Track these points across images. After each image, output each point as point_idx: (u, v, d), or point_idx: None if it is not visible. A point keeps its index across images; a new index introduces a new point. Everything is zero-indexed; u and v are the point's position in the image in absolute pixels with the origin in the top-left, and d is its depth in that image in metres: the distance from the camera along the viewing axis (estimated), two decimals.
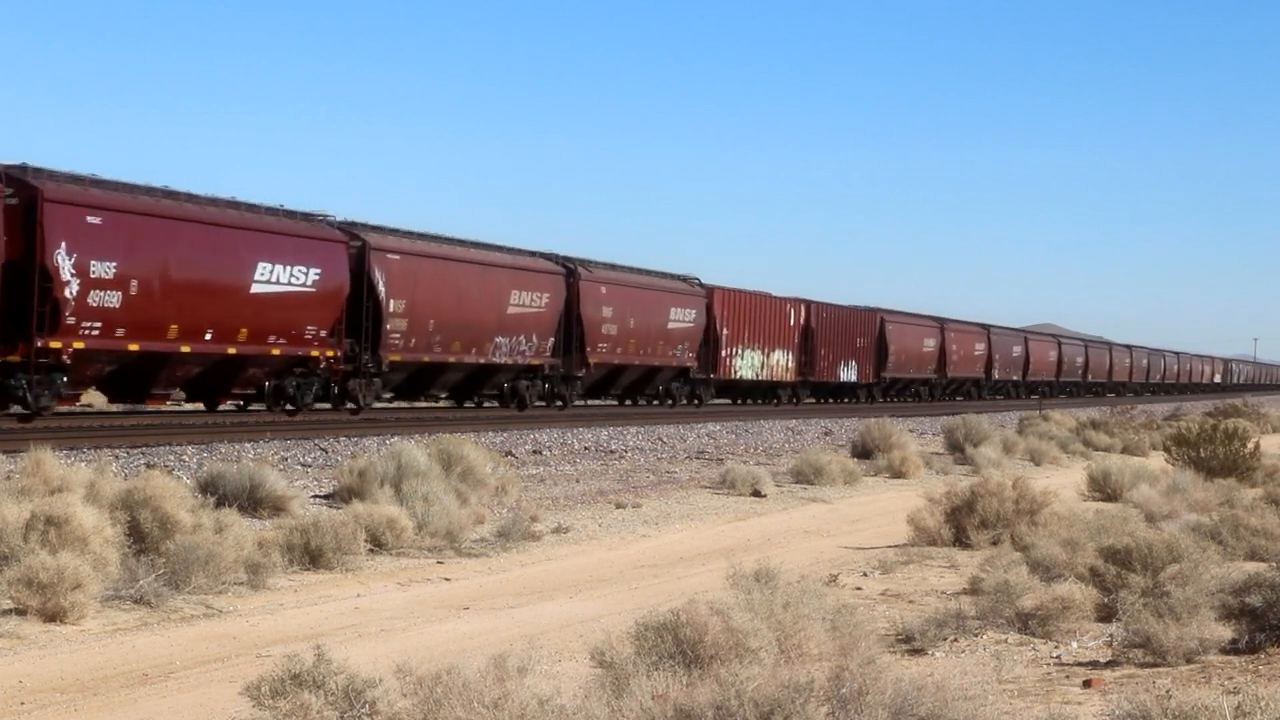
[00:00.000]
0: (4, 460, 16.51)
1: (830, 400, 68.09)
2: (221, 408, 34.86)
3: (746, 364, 57.21)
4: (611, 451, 29.35)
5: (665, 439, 33.94)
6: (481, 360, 40.80)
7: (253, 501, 16.05)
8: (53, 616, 10.50)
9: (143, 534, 12.56)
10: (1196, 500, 19.00)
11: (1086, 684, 8.83)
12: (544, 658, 8.01)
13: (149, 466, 19.30)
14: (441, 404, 43.35)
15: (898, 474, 27.26)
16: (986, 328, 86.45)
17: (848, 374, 67.01)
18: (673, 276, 53.42)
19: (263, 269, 33.03)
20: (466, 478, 18.57)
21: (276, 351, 33.49)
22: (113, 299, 28.88)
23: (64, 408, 29.89)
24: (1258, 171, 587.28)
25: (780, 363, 60.06)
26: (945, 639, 10.28)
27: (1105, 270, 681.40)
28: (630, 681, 6.88)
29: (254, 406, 34.93)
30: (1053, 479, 24.84)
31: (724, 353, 55.27)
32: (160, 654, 9.89)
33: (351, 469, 17.77)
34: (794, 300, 62.11)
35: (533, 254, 44.74)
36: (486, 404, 43.63)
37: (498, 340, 41.38)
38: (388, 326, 36.63)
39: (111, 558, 11.55)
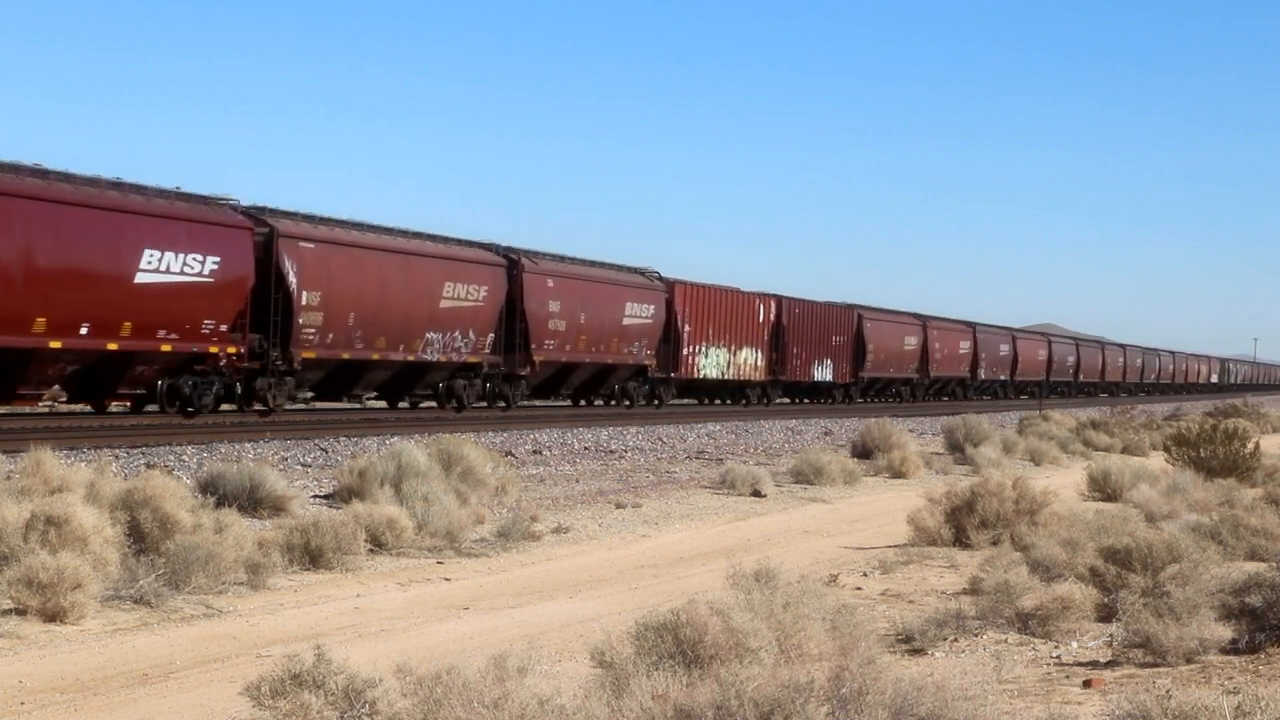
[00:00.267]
0: (4, 460, 16.50)
1: (806, 400, 65.88)
2: (111, 409, 32.21)
3: (711, 362, 54.60)
4: (611, 451, 29.35)
5: (665, 439, 33.94)
6: (410, 358, 38.17)
7: (253, 501, 16.05)
8: (53, 616, 10.50)
9: (143, 534, 12.57)
10: (1196, 500, 18.99)
11: (1086, 684, 8.83)
12: (544, 658, 8.01)
13: (149, 466, 19.31)
14: (371, 405, 40.68)
15: (898, 474, 27.26)
16: (972, 325, 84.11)
17: (822, 373, 64.68)
18: (629, 269, 50.61)
19: (150, 257, 30.02)
20: (466, 478, 18.57)
21: (167, 348, 30.63)
22: None
23: None
24: (1258, 171, 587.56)
25: (748, 361, 57.53)
26: (945, 639, 10.28)
27: (1105, 270, 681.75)
28: (630, 681, 6.88)
29: (149, 408, 32.21)
30: (1053, 479, 24.84)
31: (686, 350, 52.63)
32: (160, 654, 9.89)
33: (351, 469, 17.78)
34: (763, 295, 59.42)
35: (469, 243, 42.07)
36: (423, 405, 41.11)
37: (429, 336, 38.76)
38: (300, 321, 33.95)
39: (111, 558, 11.55)
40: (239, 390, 33.30)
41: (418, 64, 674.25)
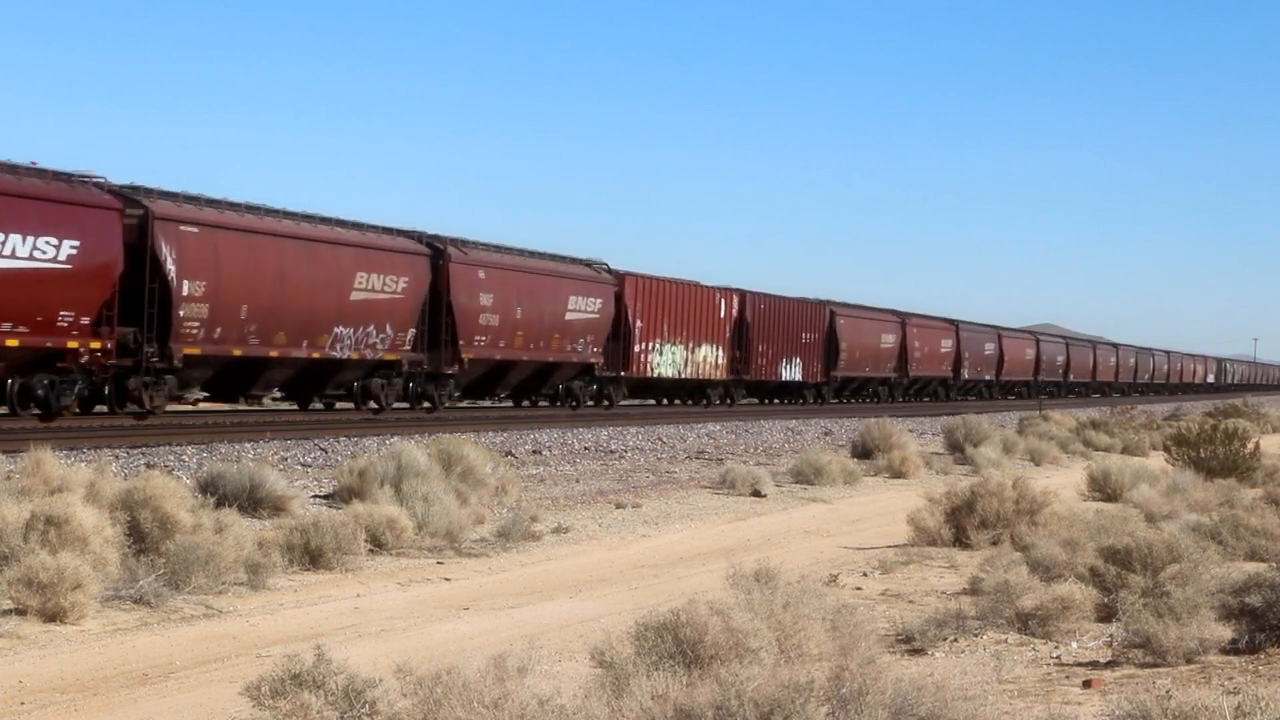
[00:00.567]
0: (4, 460, 16.50)
1: (776, 401, 63.20)
2: None
3: (666, 360, 51.12)
4: (611, 451, 29.35)
5: (665, 439, 33.94)
6: (316, 355, 34.70)
7: (253, 501, 16.05)
8: (53, 616, 10.50)
9: (143, 534, 12.57)
10: (1196, 500, 19.00)
11: (1086, 684, 8.83)
12: (544, 658, 8.01)
13: (149, 466, 19.31)
14: (275, 406, 37.94)
15: (898, 474, 27.26)
16: (954, 323, 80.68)
17: (791, 372, 61.36)
18: (574, 260, 46.87)
19: None
20: (466, 478, 18.57)
21: (13, 343, 27.05)
22: None
23: None
24: (1258, 171, 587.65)
25: (708, 359, 54.22)
26: (945, 639, 10.28)
27: (1106, 270, 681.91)
28: (630, 681, 6.88)
29: None
30: (1053, 479, 24.84)
31: (638, 348, 49.07)
32: (160, 654, 9.89)
33: (351, 469, 17.78)
34: (725, 290, 56.13)
35: (387, 230, 38.50)
36: (339, 406, 37.99)
37: (338, 331, 35.25)
38: (180, 313, 30.30)
39: (111, 558, 11.55)
40: (108, 390, 29.88)
41: (418, 64, 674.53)
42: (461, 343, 39.50)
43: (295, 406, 37.87)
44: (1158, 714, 6.63)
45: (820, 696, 6.54)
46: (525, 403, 46.43)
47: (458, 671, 6.71)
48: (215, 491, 15.53)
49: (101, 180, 29.87)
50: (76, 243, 28.17)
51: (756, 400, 61.61)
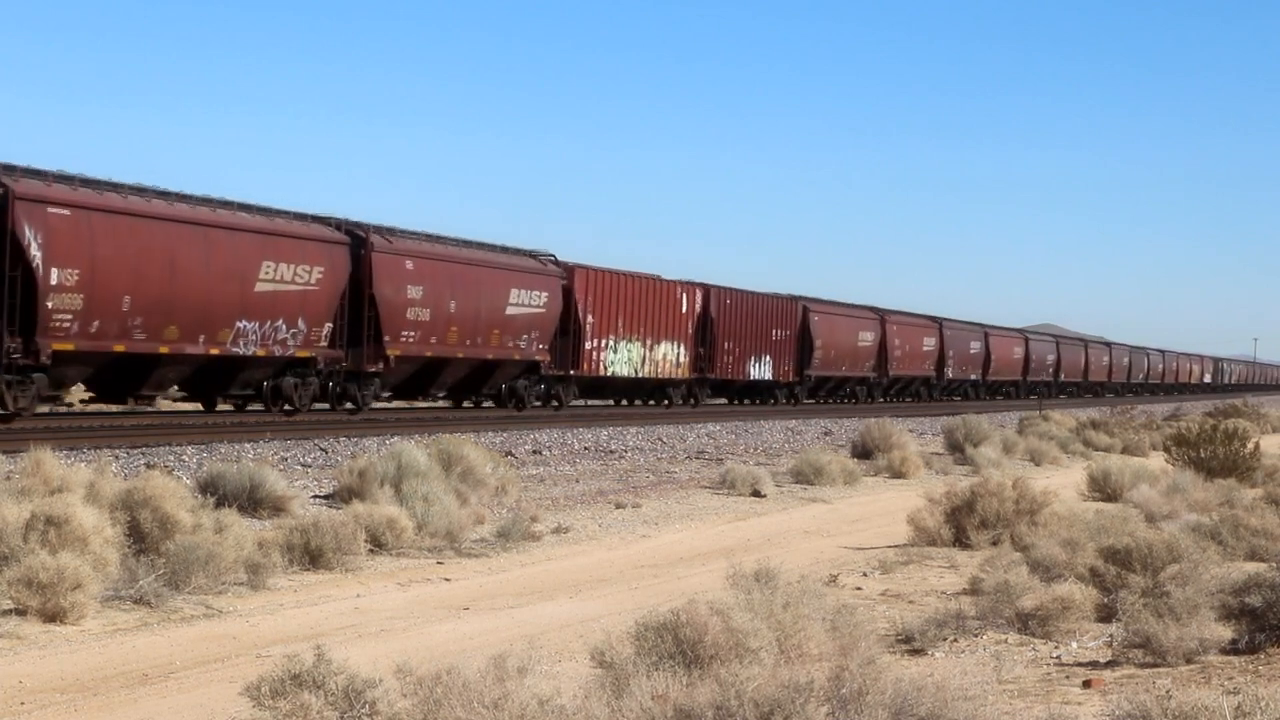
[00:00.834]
0: (4, 460, 16.51)
1: (747, 401, 60.12)
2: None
3: (621, 358, 47.94)
4: (611, 451, 29.36)
5: (665, 439, 33.95)
6: (215, 351, 31.34)
7: (253, 501, 16.06)
8: (53, 617, 10.50)
9: (143, 534, 12.57)
10: (1196, 500, 19.01)
11: (1086, 684, 8.83)
12: (544, 658, 8.01)
13: (149, 466, 19.31)
14: (177, 407, 35.79)
15: (898, 474, 27.27)
16: (938, 321, 77.48)
17: (760, 371, 58.35)
18: (516, 251, 43.67)
19: None
20: (466, 478, 18.58)
21: None
22: None
23: None
24: (1258, 171, 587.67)
25: (668, 357, 51.11)
26: (945, 639, 10.29)
27: (1106, 270, 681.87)
28: (630, 682, 6.88)
29: None
30: (1053, 479, 24.84)
31: (589, 345, 45.92)
32: (160, 654, 9.89)
33: (351, 469, 17.78)
34: (687, 284, 53.08)
35: (299, 216, 34.96)
36: (250, 407, 34.80)
37: (241, 325, 31.98)
38: (49, 304, 26.99)
39: (111, 558, 11.55)
40: None
41: (418, 64, 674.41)
42: (386, 339, 36.34)
43: (200, 408, 34.81)
44: (1158, 714, 6.63)
45: (820, 696, 6.54)
46: (467, 404, 43.34)
47: (458, 671, 6.71)
48: (215, 491, 15.53)
49: None
50: None
51: (725, 401, 59.36)
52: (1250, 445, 25.01)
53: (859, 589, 13.25)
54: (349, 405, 36.36)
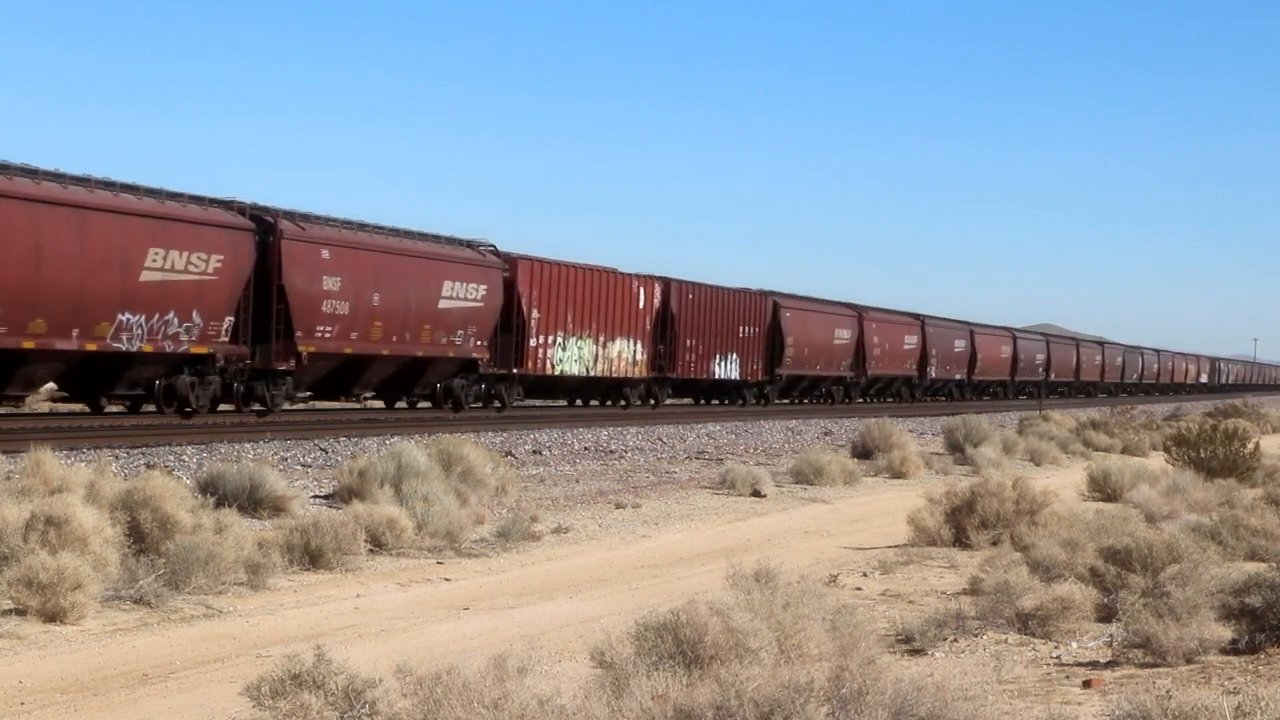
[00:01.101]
0: (4, 460, 16.51)
1: (715, 402, 57.67)
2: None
3: (571, 356, 45.04)
4: (611, 451, 29.36)
5: (665, 439, 33.95)
6: (92, 346, 28.44)
7: (253, 502, 16.06)
8: (53, 617, 10.50)
9: (143, 534, 12.57)
10: (1196, 500, 19.01)
11: (1086, 684, 8.83)
12: (544, 658, 8.01)
13: (149, 466, 19.32)
14: (58, 407, 33.57)
15: (898, 474, 27.27)
16: (920, 318, 74.53)
17: (726, 369, 55.62)
18: (451, 240, 40.46)
19: None
20: (466, 478, 18.58)
21: None
22: None
23: None
24: (1258, 171, 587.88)
25: (624, 355, 48.11)
26: (945, 639, 10.29)
27: (1105, 270, 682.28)
28: (630, 682, 6.88)
29: None
30: (1053, 479, 24.84)
31: (535, 341, 43.01)
32: (160, 654, 9.89)
33: (351, 469, 17.79)
34: (645, 278, 49.93)
35: (196, 199, 31.66)
36: (144, 407, 31.80)
37: (124, 319, 28.95)
38: None
39: (111, 558, 11.55)
40: None
41: (418, 64, 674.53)
42: (299, 334, 33.33)
43: (86, 409, 31.92)
44: (1158, 714, 6.63)
45: (820, 697, 6.54)
46: (400, 404, 40.68)
47: (458, 672, 6.71)
48: (215, 491, 15.53)
49: None
50: None
51: (690, 401, 57.33)
52: (1250, 445, 25.02)
53: (859, 589, 13.25)
54: (256, 406, 33.46)
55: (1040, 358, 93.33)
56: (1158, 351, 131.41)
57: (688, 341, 52.46)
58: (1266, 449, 27.50)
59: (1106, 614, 10.76)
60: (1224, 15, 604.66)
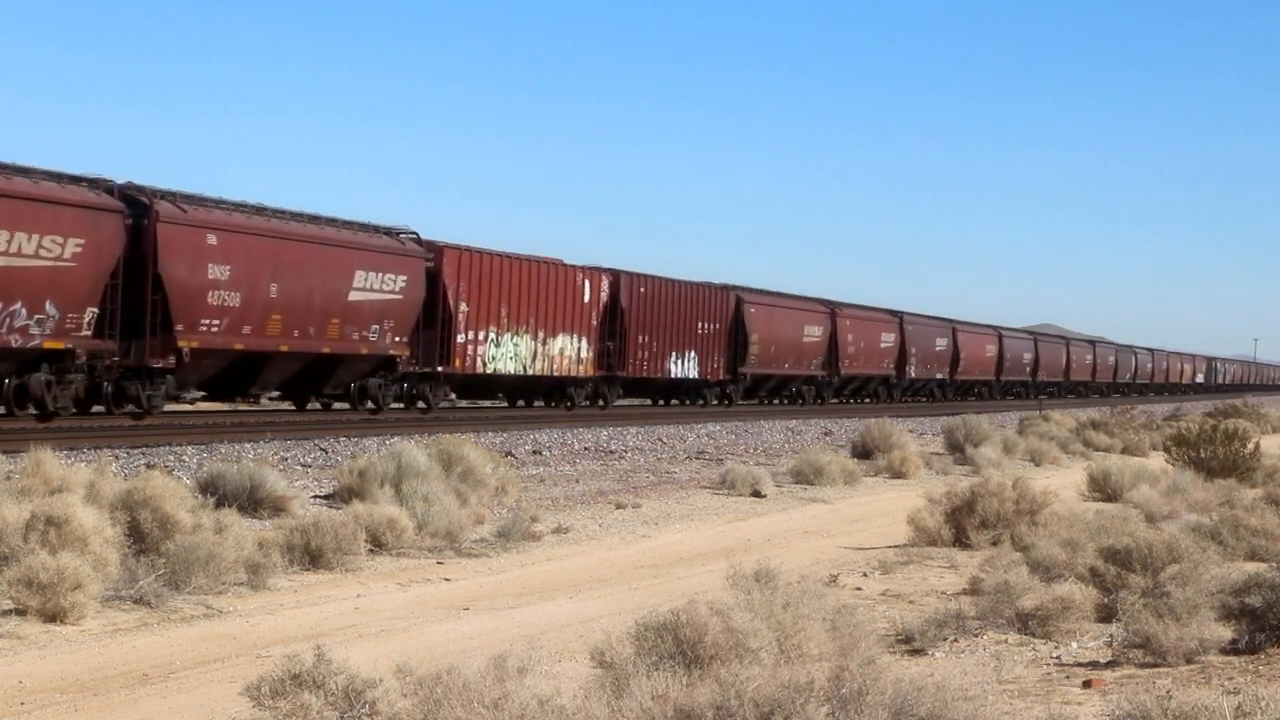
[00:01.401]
0: (4, 460, 16.52)
1: (669, 403, 54.67)
2: None
3: (506, 353, 41.61)
4: (611, 452, 29.37)
5: (665, 439, 33.96)
6: None
7: (253, 502, 16.06)
8: (53, 617, 10.50)
9: (143, 534, 12.57)
10: (1196, 500, 19.02)
11: (1086, 684, 8.83)
12: (544, 658, 8.02)
13: (149, 466, 19.32)
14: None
15: (898, 474, 27.28)
16: (898, 315, 71.46)
17: (684, 368, 52.26)
18: (365, 227, 37.00)
19: None
20: (466, 478, 18.59)
21: None
22: None
23: None
24: (1258, 171, 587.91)
25: (567, 352, 44.82)
26: (945, 639, 10.29)
27: (1106, 271, 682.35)
28: (630, 682, 6.88)
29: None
30: (1053, 479, 24.85)
31: (464, 337, 39.53)
32: (160, 654, 9.90)
33: (351, 469, 17.80)
34: (591, 269, 46.56)
35: (51, 175, 28.00)
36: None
37: None
38: None
39: (111, 558, 11.55)
40: None
41: (418, 64, 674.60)
42: (179, 328, 29.82)
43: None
44: (1158, 714, 6.64)
45: (820, 697, 6.54)
46: (318, 405, 37.43)
47: (458, 672, 6.71)
48: (215, 492, 15.54)
49: None
50: None
51: (649, 401, 54.10)
52: (1250, 445, 25.04)
53: (859, 589, 13.26)
54: (130, 406, 29.85)
55: (1028, 357, 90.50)
56: (1151, 351, 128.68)
57: (640, 338, 49.17)
58: (1266, 449, 27.51)
59: (1106, 614, 10.76)
60: (1224, 15, 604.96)
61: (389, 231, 37.76)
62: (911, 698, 6.69)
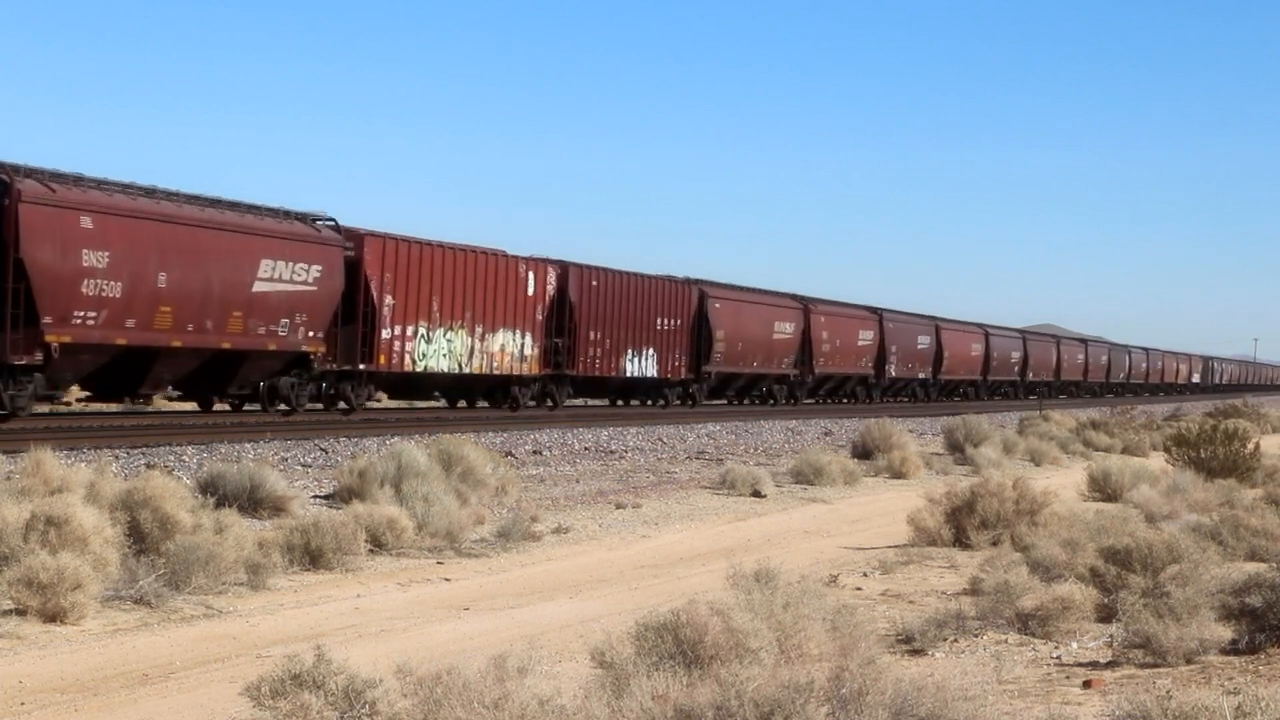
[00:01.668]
0: (4, 460, 16.52)
1: (628, 403, 51.71)
2: None
3: (438, 350, 38.63)
4: (611, 452, 29.37)
5: (665, 439, 33.96)
6: None
7: (253, 502, 16.06)
8: (53, 617, 10.50)
9: (143, 534, 12.57)
10: (1196, 500, 19.02)
11: (1086, 684, 8.83)
12: (544, 658, 8.01)
13: (149, 466, 19.32)
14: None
15: (898, 474, 27.28)
16: (878, 312, 68.85)
17: (641, 366, 49.13)
18: (274, 212, 33.84)
19: None
20: (466, 478, 18.59)
21: None
22: None
23: None
24: (1258, 171, 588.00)
25: (509, 350, 41.78)
26: (945, 639, 10.29)
27: (1106, 271, 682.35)
28: (630, 682, 6.88)
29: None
30: (1053, 479, 24.85)
31: (389, 333, 36.51)
32: (160, 654, 9.90)
33: (351, 469, 17.79)
34: (535, 261, 43.35)
35: None
36: None
37: None
38: None
39: (111, 558, 11.55)
40: None
41: (418, 64, 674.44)
42: (47, 320, 26.69)
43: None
44: (1158, 714, 6.64)
45: (820, 697, 6.54)
46: (228, 407, 34.83)
47: (458, 672, 6.71)
48: (215, 492, 15.54)
49: None
50: None
51: (607, 402, 51.50)
52: (1250, 445, 25.04)
53: (859, 589, 13.26)
54: None
55: (1016, 356, 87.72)
56: (1146, 350, 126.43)
57: (592, 334, 45.98)
58: (1266, 449, 27.51)
59: (1106, 614, 10.76)
60: (1224, 15, 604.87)
61: (302, 217, 34.66)
62: (911, 698, 6.69)
